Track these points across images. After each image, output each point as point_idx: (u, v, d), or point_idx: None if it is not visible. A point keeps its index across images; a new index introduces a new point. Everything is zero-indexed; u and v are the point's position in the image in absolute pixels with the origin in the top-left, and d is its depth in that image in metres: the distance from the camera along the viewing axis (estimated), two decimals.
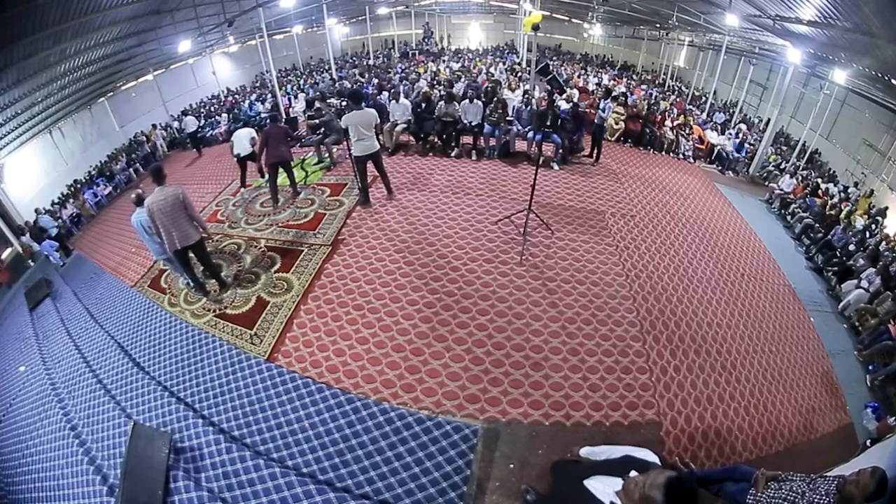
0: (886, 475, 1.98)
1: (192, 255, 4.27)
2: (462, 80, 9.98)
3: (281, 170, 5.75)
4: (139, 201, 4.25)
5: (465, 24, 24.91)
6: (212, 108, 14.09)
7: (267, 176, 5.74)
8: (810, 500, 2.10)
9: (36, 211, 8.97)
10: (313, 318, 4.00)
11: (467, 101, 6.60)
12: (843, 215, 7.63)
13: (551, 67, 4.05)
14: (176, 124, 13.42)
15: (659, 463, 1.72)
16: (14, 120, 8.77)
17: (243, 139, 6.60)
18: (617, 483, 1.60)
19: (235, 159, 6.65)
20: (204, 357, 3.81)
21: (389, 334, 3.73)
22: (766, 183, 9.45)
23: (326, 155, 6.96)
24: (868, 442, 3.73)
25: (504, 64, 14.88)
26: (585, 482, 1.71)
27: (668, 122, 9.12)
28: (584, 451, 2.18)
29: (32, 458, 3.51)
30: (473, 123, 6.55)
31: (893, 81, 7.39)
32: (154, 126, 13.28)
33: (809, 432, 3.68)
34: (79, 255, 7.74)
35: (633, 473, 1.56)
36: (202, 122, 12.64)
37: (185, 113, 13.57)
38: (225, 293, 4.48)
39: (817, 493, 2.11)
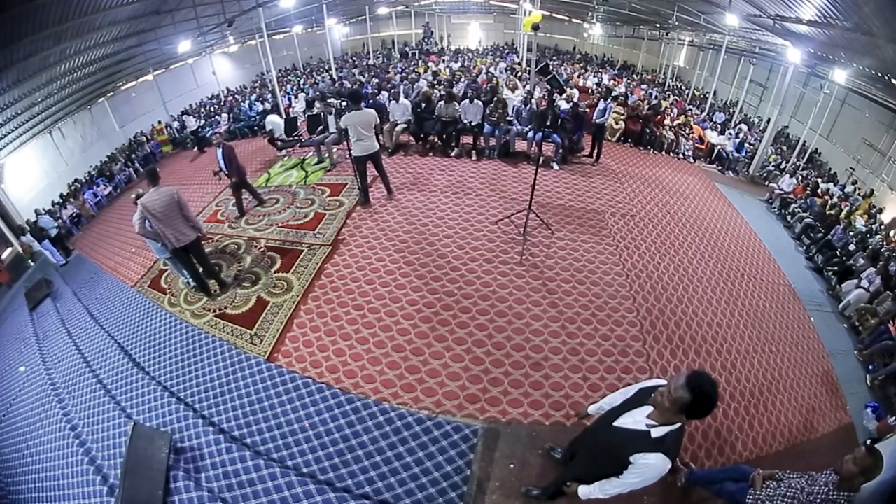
0: (882, 454, 2.00)
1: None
2: (462, 80, 9.97)
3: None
4: (137, 200, 4.25)
5: (464, 23, 24.89)
6: (212, 109, 14.09)
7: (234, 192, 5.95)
8: (810, 492, 2.12)
9: (36, 211, 8.97)
10: (313, 318, 4.00)
11: (467, 100, 6.59)
12: (843, 215, 7.63)
13: (551, 67, 4.05)
14: (175, 124, 13.41)
15: None
16: (14, 120, 8.76)
17: (279, 122, 8.11)
18: (645, 409, 1.73)
19: (268, 139, 8.10)
20: (204, 357, 3.82)
21: (389, 334, 3.73)
22: (767, 183, 9.45)
23: (326, 155, 6.96)
24: (868, 442, 3.73)
25: (504, 63, 14.86)
26: (615, 424, 1.82)
27: (667, 122, 9.11)
28: (592, 409, 2.25)
29: (33, 458, 3.51)
30: (473, 123, 6.55)
31: (893, 81, 7.39)
32: (159, 122, 13.30)
33: (809, 432, 3.68)
34: (79, 255, 7.74)
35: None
36: (202, 121, 12.64)
37: (185, 112, 13.60)
38: (225, 293, 4.48)
39: (816, 485, 2.13)
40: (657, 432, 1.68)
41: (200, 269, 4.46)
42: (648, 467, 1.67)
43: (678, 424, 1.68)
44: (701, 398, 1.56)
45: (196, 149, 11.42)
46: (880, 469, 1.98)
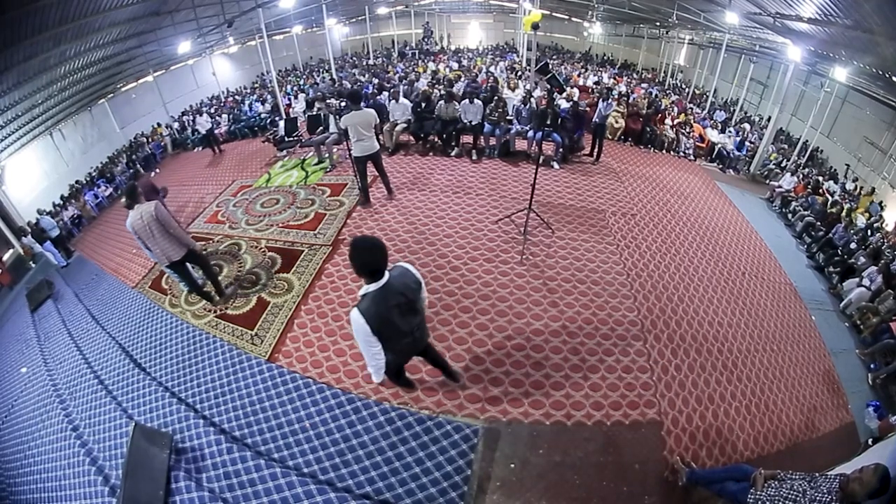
0: (889, 472, 1.98)
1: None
2: (462, 79, 9.97)
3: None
4: (130, 205, 4.22)
5: (464, 23, 24.88)
6: (212, 109, 14.08)
7: None
8: (812, 497, 2.10)
9: (38, 211, 9.00)
10: (314, 318, 4.00)
11: (467, 100, 6.59)
12: (843, 213, 7.61)
13: (550, 66, 4.05)
14: (176, 125, 13.41)
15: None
16: (15, 122, 8.78)
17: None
18: None
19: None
20: (205, 357, 3.82)
21: None
22: (767, 181, 9.43)
23: (327, 155, 6.96)
24: (870, 440, 3.73)
25: (504, 62, 14.85)
26: None
27: (668, 121, 9.10)
28: None
29: (34, 458, 3.52)
30: (473, 123, 6.54)
31: (894, 79, 7.37)
32: (159, 124, 13.28)
33: (811, 431, 3.68)
34: (80, 256, 7.75)
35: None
36: (214, 119, 12.17)
37: (185, 113, 13.43)
38: (224, 300, 4.36)
39: (819, 492, 2.11)
40: (360, 292, 2.04)
41: (200, 273, 4.41)
42: (350, 320, 2.00)
43: (375, 286, 1.99)
44: (353, 249, 1.95)
45: (201, 148, 11.39)
46: (885, 489, 1.97)
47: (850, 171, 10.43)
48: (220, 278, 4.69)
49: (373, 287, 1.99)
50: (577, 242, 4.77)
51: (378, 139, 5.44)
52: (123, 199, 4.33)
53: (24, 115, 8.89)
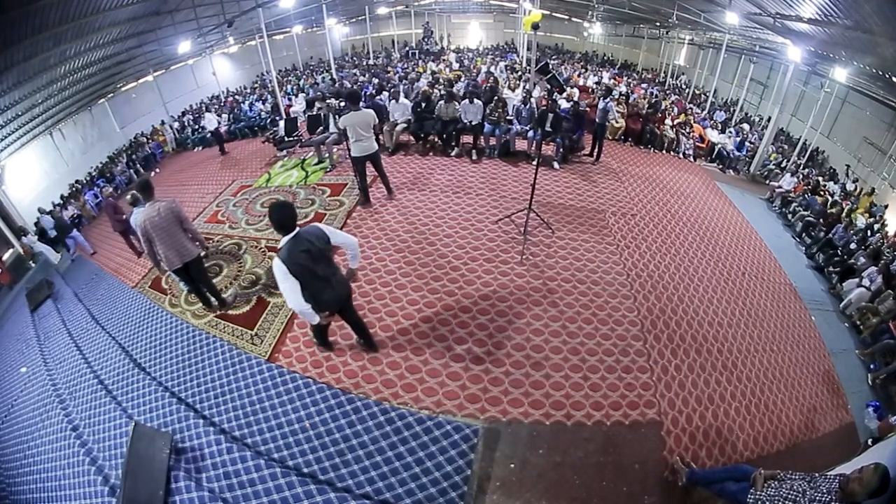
0: (888, 471, 1.97)
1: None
2: (462, 79, 9.96)
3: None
4: (135, 201, 4.20)
5: (464, 23, 24.86)
6: (212, 109, 14.05)
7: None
8: (812, 498, 2.10)
9: (39, 210, 9.00)
10: None
11: (467, 100, 6.59)
12: (843, 214, 7.61)
13: (551, 66, 4.05)
14: (176, 125, 13.40)
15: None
16: (15, 122, 8.78)
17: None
18: None
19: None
20: (205, 357, 3.82)
21: (390, 334, 3.73)
22: (767, 181, 9.44)
23: (327, 155, 6.95)
24: (869, 441, 3.73)
25: (505, 62, 14.84)
26: None
27: (668, 121, 9.10)
28: None
29: (34, 458, 3.52)
30: (473, 123, 6.54)
31: (894, 79, 7.38)
32: (163, 122, 13.26)
33: (811, 431, 3.68)
34: (80, 256, 7.75)
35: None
36: (221, 118, 11.69)
37: (207, 109, 13.09)
38: (225, 309, 4.30)
39: (819, 492, 2.11)
40: (279, 245, 2.54)
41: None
42: (273, 267, 2.51)
43: (288, 237, 2.53)
44: (270, 210, 2.55)
45: (201, 148, 11.37)
46: (885, 489, 1.96)
47: (850, 171, 10.44)
48: (219, 278, 4.70)
49: (286, 238, 2.52)
50: (577, 242, 4.77)
51: (378, 139, 5.44)
52: (130, 196, 4.30)
53: (24, 115, 8.89)
